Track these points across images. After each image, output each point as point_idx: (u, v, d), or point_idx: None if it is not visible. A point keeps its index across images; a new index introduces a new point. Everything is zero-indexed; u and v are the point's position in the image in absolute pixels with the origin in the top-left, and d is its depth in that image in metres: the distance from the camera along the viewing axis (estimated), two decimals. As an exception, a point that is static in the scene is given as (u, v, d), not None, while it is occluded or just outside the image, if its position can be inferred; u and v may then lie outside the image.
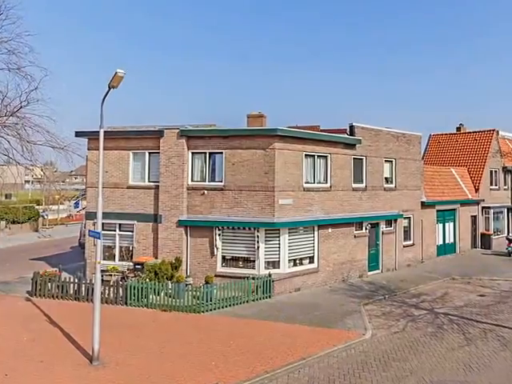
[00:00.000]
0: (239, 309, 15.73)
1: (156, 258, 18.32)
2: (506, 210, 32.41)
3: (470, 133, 33.26)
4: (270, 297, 16.95)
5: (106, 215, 16.34)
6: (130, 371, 10.57)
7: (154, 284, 15.96)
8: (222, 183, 18.01)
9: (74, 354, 11.53)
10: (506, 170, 32.78)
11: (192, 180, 18.49)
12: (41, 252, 27.71)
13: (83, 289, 16.46)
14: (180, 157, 18.30)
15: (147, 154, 19.11)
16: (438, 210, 26.58)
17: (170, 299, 15.69)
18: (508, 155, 28.99)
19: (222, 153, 18.08)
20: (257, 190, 17.54)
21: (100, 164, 11.62)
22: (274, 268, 17.79)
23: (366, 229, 21.28)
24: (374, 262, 21.88)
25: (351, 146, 20.47)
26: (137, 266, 17.85)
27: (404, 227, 23.82)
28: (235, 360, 11.24)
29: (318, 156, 19.20)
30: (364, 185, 21.24)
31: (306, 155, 18.64)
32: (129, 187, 19.18)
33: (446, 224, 27.68)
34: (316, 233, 19.08)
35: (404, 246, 23.68)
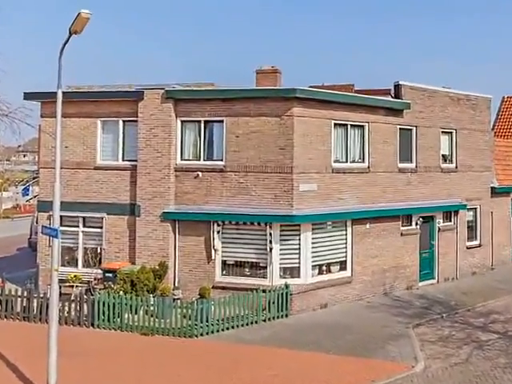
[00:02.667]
0: (245, 332, 15.73)
1: (133, 263, 18.35)
2: None
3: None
4: (286, 315, 16.95)
5: (65, 206, 16.18)
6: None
7: (131, 298, 15.96)
8: (223, 162, 17.96)
9: (24, 391, 11.53)
10: None
11: (182, 158, 18.50)
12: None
13: (35, 305, 16.48)
14: (166, 127, 18.21)
15: (121, 123, 19.10)
16: (513, 199, 26.36)
17: (151, 319, 15.69)
18: None
19: (222, 121, 18.02)
20: (269, 172, 17.46)
21: (57, 136, 11.49)
22: (293, 277, 17.79)
23: (416, 224, 21.20)
24: (427, 268, 21.83)
25: (397, 112, 20.31)
26: (107, 275, 17.84)
27: (468, 222, 23.72)
28: (240, 401, 11.24)
29: (352, 126, 19.07)
30: (414, 164, 21.14)
31: (335, 125, 18.54)
32: (96, 168, 19.18)
33: (525, 218, 27.45)
34: (349, 229, 19.04)
35: (468, 248, 23.60)
